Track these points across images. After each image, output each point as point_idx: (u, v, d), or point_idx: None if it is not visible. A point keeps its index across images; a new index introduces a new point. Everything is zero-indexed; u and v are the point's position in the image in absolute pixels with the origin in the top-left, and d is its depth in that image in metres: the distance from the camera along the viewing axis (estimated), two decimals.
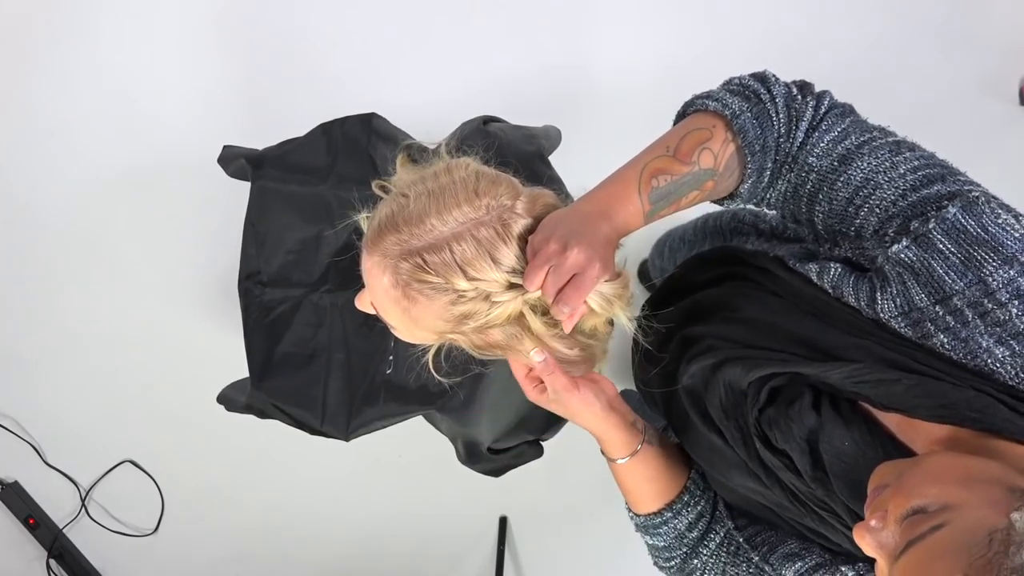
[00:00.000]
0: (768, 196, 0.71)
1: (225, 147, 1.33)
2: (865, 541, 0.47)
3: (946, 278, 0.55)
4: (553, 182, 1.15)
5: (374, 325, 1.14)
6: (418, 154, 1.08)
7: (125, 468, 2.05)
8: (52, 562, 2.03)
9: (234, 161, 1.30)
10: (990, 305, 0.54)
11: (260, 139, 1.31)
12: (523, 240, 0.66)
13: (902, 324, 0.58)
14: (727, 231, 1.03)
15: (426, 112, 1.72)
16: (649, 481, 0.79)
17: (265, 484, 2.06)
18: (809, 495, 0.65)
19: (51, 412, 2.03)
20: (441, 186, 0.67)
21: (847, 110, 0.68)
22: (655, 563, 0.84)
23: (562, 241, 0.62)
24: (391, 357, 1.18)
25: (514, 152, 1.14)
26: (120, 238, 1.99)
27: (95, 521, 2.06)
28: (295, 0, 1.92)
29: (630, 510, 0.83)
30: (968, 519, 0.42)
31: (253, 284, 1.21)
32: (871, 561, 0.54)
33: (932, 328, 0.57)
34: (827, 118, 0.66)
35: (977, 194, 0.57)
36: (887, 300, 0.59)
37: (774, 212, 0.75)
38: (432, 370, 0.82)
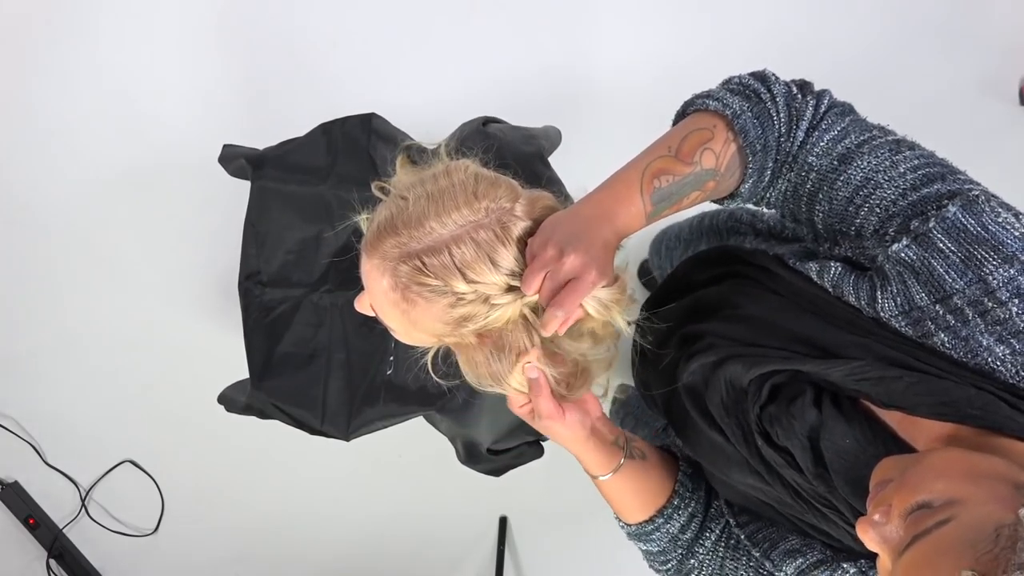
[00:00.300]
0: (768, 195, 0.71)
1: (225, 147, 1.33)
2: (868, 535, 0.47)
3: (946, 277, 0.55)
4: (552, 183, 1.15)
5: (374, 325, 1.14)
6: (417, 155, 1.08)
7: (125, 468, 2.05)
8: (52, 562, 2.03)
9: (234, 161, 1.30)
10: (990, 304, 0.54)
11: (260, 139, 1.31)
12: (522, 243, 0.66)
13: (902, 323, 0.58)
14: (723, 230, 1.03)
15: (426, 112, 1.72)
16: (635, 492, 0.79)
17: (265, 484, 2.06)
18: (811, 492, 0.65)
19: (51, 412, 2.03)
20: (440, 189, 0.67)
21: (847, 109, 0.68)
22: (651, 567, 0.83)
23: (559, 246, 0.62)
24: (391, 358, 1.18)
25: (513, 153, 1.14)
26: (120, 238, 1.99)
27: (95, 521, 2.06)
28: (295, 0, 1.92)
29: (619, 519, 0.82)
30: (974, 514, 0.42)
31: (253, 284, 1.21)
32: (873, 557, 0.54)
33: (932, 327, 0.57)
34: (827, 117, 0.66)
35: (977, 193, 0.57)
36: (887, 299, 0.59)
37: (772, 211, 0.75)
38: (431, 372, 0.82)
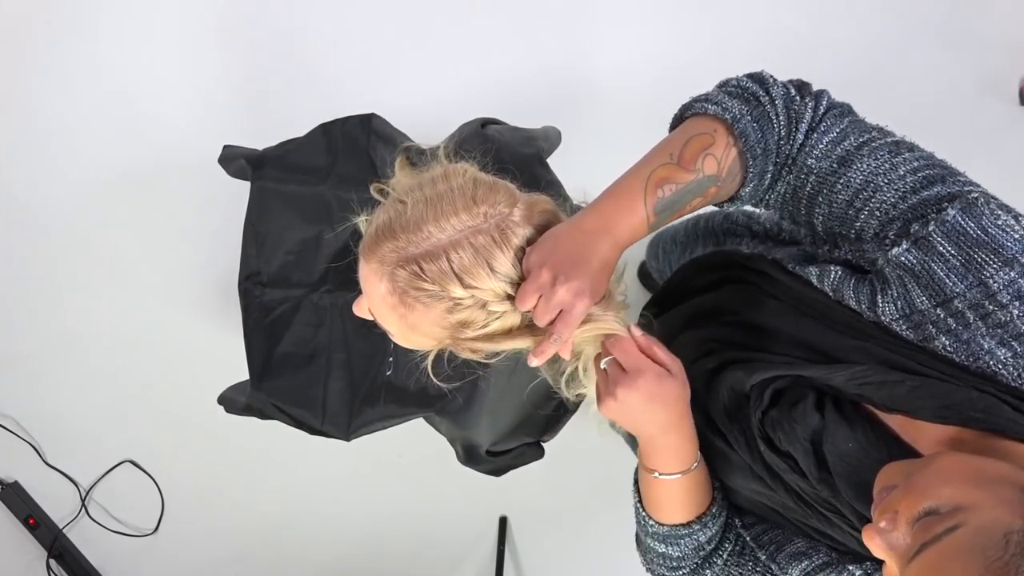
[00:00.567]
0: (768, 198, 0.71)
1: (225, 147, 1.33)
2: (875, 543, 0.47)
3: (947, 280, 0.55)
4: (551, 186, 1.15)
5: (374, 326, 1.15)
6: (417, 157, 1.08)
7: (125, 468, 2.05)
8: (52, 562, 2.03)
9: (234, 161, 1.30)
10: (991, 307, 0.54)
11: (260, 139, 1.31)
12: (520, 249, 0.66)
13: (903, 327, 0.58)
14: (719, 232, 1.02)
15: (426, 112, 1.72)
16: (689, 493, 0.73)
17: (265, 484, 2.06)
18: (814, 496, 0.65)
19: (51, 412, 2.03)
20: (439, 193, 0.66)
21: (845, 110, 0.67)
22: (654, 570, 0.80)
23: (553, 272, 0.63)
24: (391, 359, 1.17)
25: (512, 155, 1.14)
26: (120, 238, 1.99)
27: (95, 521, 2.06)
28: (295, 0, 1.92)
29: (651, 518, 0.76)
30: (982, 520, 0.42)
31: (253, 284, 1.21)
32: (878, 560, 0.54)
33: (934, 331, 0.56)
34: (826, 119, 0.65)
35: (976, 195, 0.57)
36: (888, 303, 0.59)
37: (768, 213, 0.74)
38: (431, 374, 0.82)
